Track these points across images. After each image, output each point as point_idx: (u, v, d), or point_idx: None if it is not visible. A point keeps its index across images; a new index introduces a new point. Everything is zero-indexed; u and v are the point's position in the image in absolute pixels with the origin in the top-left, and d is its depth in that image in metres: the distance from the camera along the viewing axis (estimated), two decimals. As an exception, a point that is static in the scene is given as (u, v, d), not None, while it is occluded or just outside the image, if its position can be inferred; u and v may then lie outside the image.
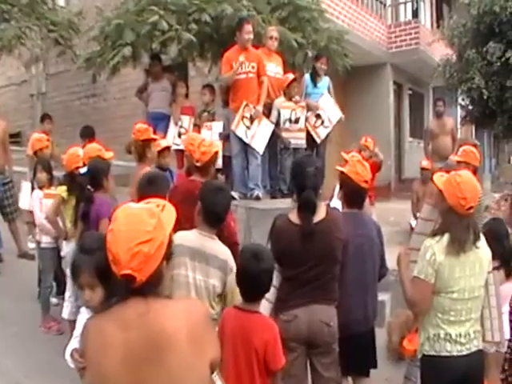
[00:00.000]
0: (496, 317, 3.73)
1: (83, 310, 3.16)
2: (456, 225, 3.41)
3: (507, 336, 4.82)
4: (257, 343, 3.22)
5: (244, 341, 3.26)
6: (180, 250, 3.67)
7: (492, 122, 16.11)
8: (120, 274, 1.94)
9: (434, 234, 3.49)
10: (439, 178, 3.59)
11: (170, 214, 2.14)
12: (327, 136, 9.38)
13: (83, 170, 5.64)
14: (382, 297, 6.68)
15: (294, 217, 3.93)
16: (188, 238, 3.82)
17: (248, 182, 8.11)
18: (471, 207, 3.41)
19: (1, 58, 13.21)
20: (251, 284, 3.34)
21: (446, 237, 3.42)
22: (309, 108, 8.83)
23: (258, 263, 3.30)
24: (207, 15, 8.27)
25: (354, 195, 4.32)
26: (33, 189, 7.08)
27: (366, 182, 4.26)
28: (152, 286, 2.01)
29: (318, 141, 9.10)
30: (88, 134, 9.32)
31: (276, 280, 3.99)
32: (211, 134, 8.37)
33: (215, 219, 3.93)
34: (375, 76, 17.16)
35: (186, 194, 4.92)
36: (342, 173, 4.31)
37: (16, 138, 15.56)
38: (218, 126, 8.48)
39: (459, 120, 19.25)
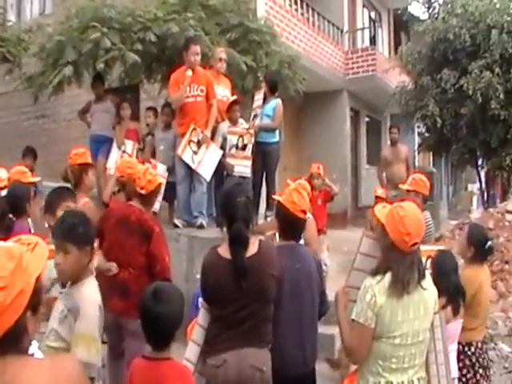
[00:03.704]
0: (442, 362, 3.41)
1: None
2: (399, 263, 3.07)
3: (455, 374, 4.56)
4: None
5: None
6: None
7: (448, 149, 16.14)
8: None
9: (374, 273, 3.15)
10: (381, 210, 3.27)
11: (39, 255, 1.78)
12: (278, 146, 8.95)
13: (4, 193, 5.24)
14: (331, 331, 6.40)
15: (223, 250, 3.58)
16: None
17: (192, 209, 7.76)
18: (415, 243, 3.09)
19: None
20: (149, 328, 2.98)
21: (388, 276, 3.08)
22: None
23: (155, 305, 2.94)
24: (152, 34, 7.97)
25: (290, 226, 3.99)
26: None
27: (303, 211, 3.93)
28: (11, 342, 1.65)
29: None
30: (29, 155, 8.93)
31: (204, 320, 3.65)
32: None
33: None
34: (332, 102, 17.11)
35: (120, 219, 4.80)
36: (278, 202, 3.99)
37: (-40, 159, 14.98)
38: (161, 169, 7.91)
39: (416, 148, 19.26)
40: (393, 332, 3.07)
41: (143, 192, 4.87)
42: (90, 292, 3.21)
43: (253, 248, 3.57)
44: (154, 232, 4.75)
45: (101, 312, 3.21)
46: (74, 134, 13.81)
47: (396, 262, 3.07)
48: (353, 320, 3.13)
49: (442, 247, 4.91)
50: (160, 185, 5.14)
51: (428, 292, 3.19)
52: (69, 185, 5.73)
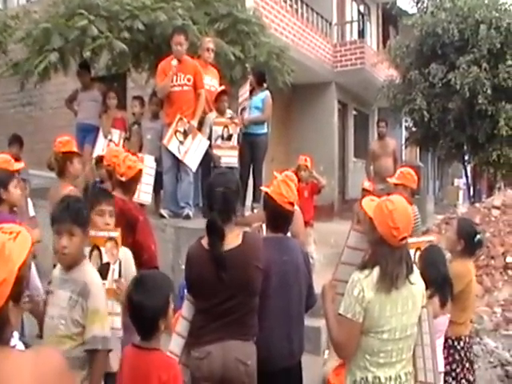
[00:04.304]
0: (429, 356, 3.38)
1: None
2: (387, 258, 3.03)
3: (441, 369, 4.55)
4: None
5: (141, 381, 2.90)
6: None
7: (435, 144, 16.14)
8: None
9: (362, 267, 3.11)
10: (369, 204, 3.22)
11: (22, 244, 1.73)
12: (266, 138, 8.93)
13: None
14: (318, 323, 6.38)
15: (206, 241, 3.55)
16: None
17: (179, 200, 7.69)
18: (404, 237, 3.05)
19: None
20: (134, 318, 2.98)
21: (376, 271, 3.04)
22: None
23: (137, 294, 2.93)
24: (140, 22, 7.88)
25: (277, 218, 3.96)
26: None
27: (291, 203, 3.89)
28: None
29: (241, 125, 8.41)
30: (15, 143, 8.83)
31: (188, 312, 3.62)
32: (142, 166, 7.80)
33: None
34: (320, 95, 17.07)
35: None
36: (266, 194, 3.95)
37: None
38: (150, 160, 7.91)
39: (404, 142, 19.28)
40: (381, 327, 3.04)
41: (123, 179, 4.74)
42: (93, 271, 3.35)
43: (236, 239, 3.53)
44: (139, 221, 4.66)
45: (104, 289, 3.33)
46: (61, 122, 13.72)
47: (384, 256, 3.03)
48: (340, 315, 3.10)
49: (431, 237, 4.87)
50: (140, 171, 4.97)
51: (416, 286, 3.15)
52: (53, 173, 5.69)
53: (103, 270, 3.84)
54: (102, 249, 3.83)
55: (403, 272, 3.06)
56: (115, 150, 5.68)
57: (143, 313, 2.92)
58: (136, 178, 4.90)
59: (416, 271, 3.21)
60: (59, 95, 13.38)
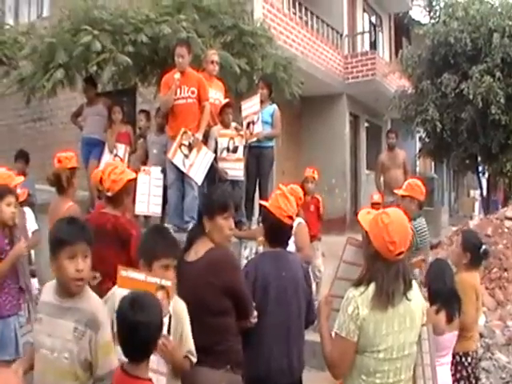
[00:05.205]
0: (430, 377, 3.25)
1: None
2: (383, 273, 2.90)
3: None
4: None
5: None
6: None
7: (448, 155, 15.98)
8: None
9: (357, 283, 2.98)
10: (365, 217, 3.10)
11: None
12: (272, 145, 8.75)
13: None
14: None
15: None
16: None
17: (183, 214, 7.60)
18: (401, 252, 2.92)
19: None
20: (126, 339, 2.76)
21: (372, 287, 2.91)
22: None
23: (135, 314, 2.71)
24: (144, 35, 7.85)
25: (276, 232, 3.88)
26: None
27: (290, 217, 3.80)
28: None
29: (255, 138, 8.31)
30: (21, 158, 8.84)
31: None
32: (149, 178, 7.80)
33: None
34: (331, 107, 17.00)
35: (96, 230, 4.47)
36: (264, 207, 3.86)
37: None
38: (156, 172, 7.90)
39: (417, 153, 19.15)
40: (377, 346, 2.90)
41: (110, 194, 4.54)
42: (96, 298, 3.11)
43: (199, 253, 3.51)
44: (132, 236, 4.45)
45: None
46: (71, 137, 13.71)
47: (380, 271, 2.91)
48: (335, 333, 2.98)
49: (421, 257, 4.76)
50: (129, 182, 4.66)
51: (414, 303, 3.01)
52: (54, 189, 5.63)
53: None
54: None
55: (400, 288, 2.93)
56: (108, 164, 5.54)
57: (139, 333, 2.72)
58: (125, 191, 4.64)
59: (415, 287, 3.08)
60: (69, 110, 13.34)
